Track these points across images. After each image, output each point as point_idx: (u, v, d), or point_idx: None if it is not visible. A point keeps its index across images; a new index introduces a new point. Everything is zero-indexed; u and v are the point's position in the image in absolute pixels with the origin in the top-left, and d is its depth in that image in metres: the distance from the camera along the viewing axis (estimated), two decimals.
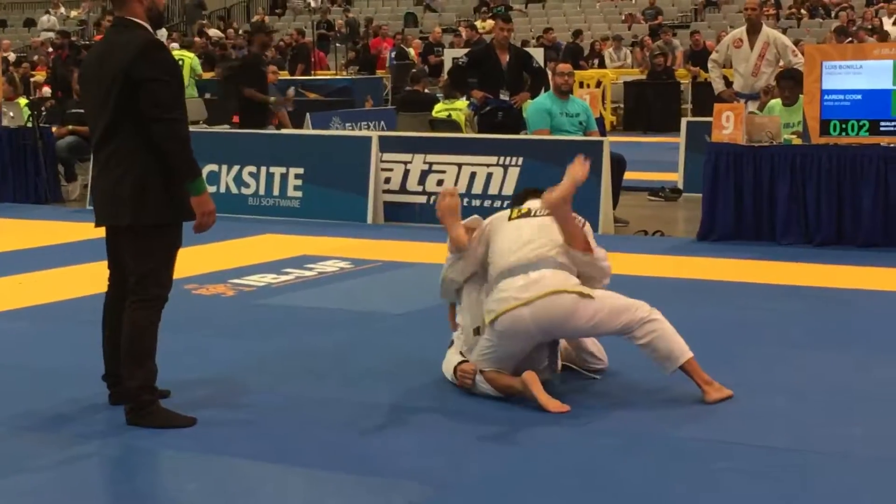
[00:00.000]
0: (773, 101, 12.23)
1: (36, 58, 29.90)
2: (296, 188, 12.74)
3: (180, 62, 15.04)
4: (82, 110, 14.01)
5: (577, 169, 6.04)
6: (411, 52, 29.06)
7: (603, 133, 13.31)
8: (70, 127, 14.65)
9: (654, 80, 24.85)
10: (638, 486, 4.93)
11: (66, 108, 15.73)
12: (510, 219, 6.31)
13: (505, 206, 8.31)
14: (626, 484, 4.95)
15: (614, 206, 11.79)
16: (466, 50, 17.55)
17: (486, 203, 11.81)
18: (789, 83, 11.82)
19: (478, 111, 13.50)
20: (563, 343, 6.40)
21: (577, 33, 30.05)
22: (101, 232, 5.91)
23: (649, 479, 4.99)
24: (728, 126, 10.91)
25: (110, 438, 5.54)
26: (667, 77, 24.82)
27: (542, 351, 6.14)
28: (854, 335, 7.52)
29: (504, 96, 12.88)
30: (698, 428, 5.63)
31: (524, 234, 6.13)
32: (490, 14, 25.30)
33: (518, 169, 11.85)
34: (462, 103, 15.37)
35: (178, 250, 5.75)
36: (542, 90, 12.91)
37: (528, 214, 6.29)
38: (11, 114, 14.41)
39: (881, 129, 10.49)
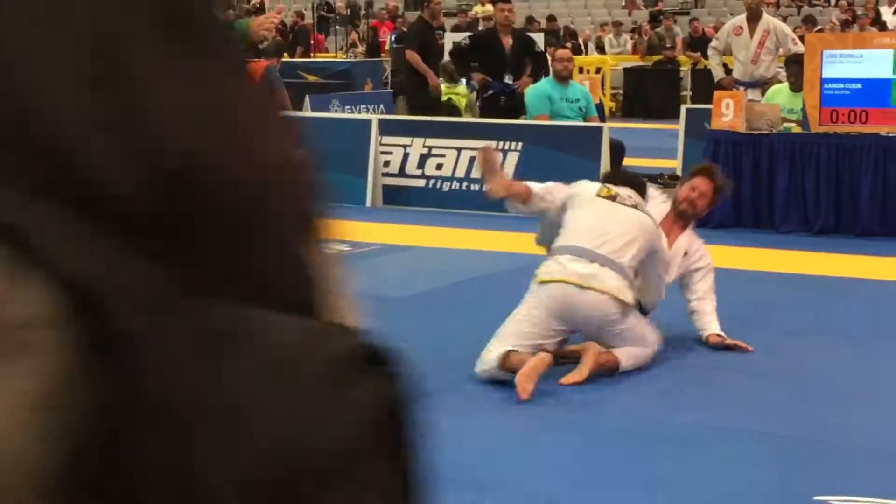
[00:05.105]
0: (777, 86, 12.20)
1: None
2: None
3: None
4: None
5: None
6: None
7: (602, 119, 13.34)
8: None
9: (653, 57, 24.98)
10: (635, 470, 4.97)
11: None
12: (598, 195, 6.39)
13: None
14: (625, 468, 4.99)
15: None
16: (466, 34, 17.55)
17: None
18: (796, 69, 11.79)
19: (479, 94, 13.51)
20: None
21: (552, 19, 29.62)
22: None
23: (646, 464, 5.03)
24: (728, 113, 10.93)
25: None
26: (669, 64, 24.88)
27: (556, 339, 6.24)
28: (852, 323, 7.55)
29: (508, 80, 12.91)
30: (696, 414, 5.66)
31: (607, 223, 6.22)
32: None
33: (517, 154, 11.85)
34: (462, 88, 15.38)
35: None
36: (542, 75, 12.93)
37: (614, 199, 6.37)
38: None
39: (880, 118, 10.53)
